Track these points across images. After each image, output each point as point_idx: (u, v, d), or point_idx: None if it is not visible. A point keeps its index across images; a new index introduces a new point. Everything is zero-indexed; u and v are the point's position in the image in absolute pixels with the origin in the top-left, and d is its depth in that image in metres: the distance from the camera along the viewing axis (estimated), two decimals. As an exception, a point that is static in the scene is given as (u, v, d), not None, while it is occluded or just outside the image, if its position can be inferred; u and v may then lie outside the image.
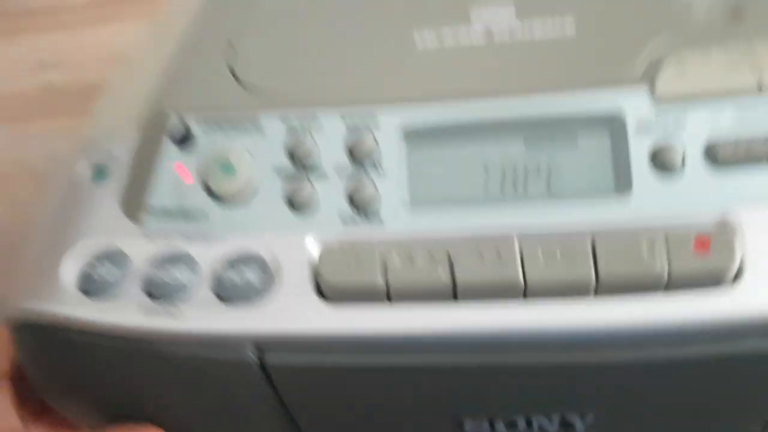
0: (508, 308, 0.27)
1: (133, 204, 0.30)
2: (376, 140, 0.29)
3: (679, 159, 0.28)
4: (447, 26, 0.32)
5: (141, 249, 0.29)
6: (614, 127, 0.29)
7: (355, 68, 0.31)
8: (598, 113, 0.29)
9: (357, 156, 0.29)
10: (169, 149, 0.30)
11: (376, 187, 0.29)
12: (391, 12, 0.33)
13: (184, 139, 0.30)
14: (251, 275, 0.28)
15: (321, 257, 0.28)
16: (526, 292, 0.27)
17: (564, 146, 0.29)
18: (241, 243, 0.29)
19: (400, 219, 0.29)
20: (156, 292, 0.28)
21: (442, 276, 0.27)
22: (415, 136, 0.29)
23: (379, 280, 0.27)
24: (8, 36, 0.60)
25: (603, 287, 0.26)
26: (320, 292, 0.28)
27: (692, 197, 0.28)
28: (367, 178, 0.29)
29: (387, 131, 0.29)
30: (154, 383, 0.29)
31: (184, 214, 0.30)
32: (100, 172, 0.32)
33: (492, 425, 0.30)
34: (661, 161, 0.28)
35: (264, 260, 0.29)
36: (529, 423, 0.29)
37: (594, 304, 0.26)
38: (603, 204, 0.28)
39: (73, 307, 0.29)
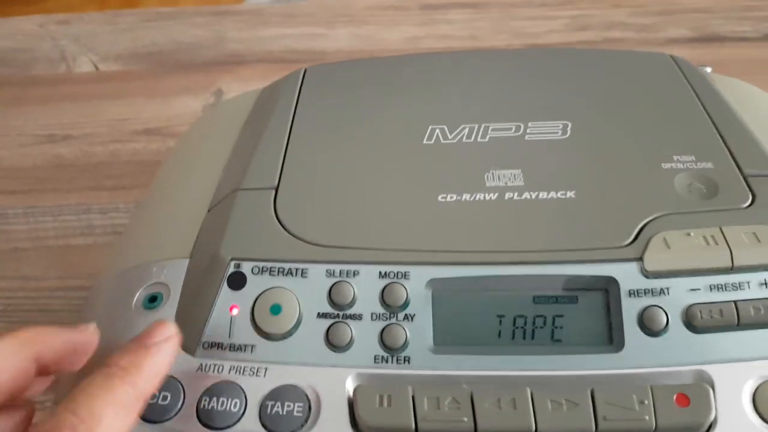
0: (520, 449, 0.31)
1: (188, 336, 0.34)
2: (407, 291, 0.34)
3: (663, 322, 0.33)
4: (467, 193, 0.37)
5: (194, 377, 0.33)
6: (610, 293, 0.34)
7: (388, 226, 0.36)
8: (597, 280, 0.34)
9: (390, 304, 0.34)
10: (225, 292, 0.35)
11: (406, 333, 0.34)
12: (420, 172, 0.39)
13: (237, 283, 0.35)
14: (294, 407, 0.32)
15: (357, 397, 0.32)
16: (535, 435, 0.31)
17: (567, 306, 0.34)
18: (283, 375, 0.33)
19: (426, 360, 0.33)
20: (209, 420, 0.32)
21: (466, 422, 0.31)
22: (439, 289, 0.34)
23: (411, 424, 0.31)
24: (15, 105, 0.62)
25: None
26: (355, 424, 0.32)
27: (674, 355, 0.33)
28: (398, 325, 0.34)
29: (416, 283, 0.34)
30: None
31: (233, 348, 0.34)
32: (153, 300, 0.36)
33: None
34: (648, 324, 0.33)
35: (304, 392, 0.33)
36: None
37: (592, 448, 0.31)
38: (599, 358, 0.33)
39: None
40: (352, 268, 0.35)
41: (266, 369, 0.33)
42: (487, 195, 0.37)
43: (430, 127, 0.41)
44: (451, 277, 0.34)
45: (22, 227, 0.54)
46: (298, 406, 0.32)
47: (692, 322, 0.33)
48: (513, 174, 0.38)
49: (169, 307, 0.35)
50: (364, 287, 0.34)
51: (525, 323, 0.34)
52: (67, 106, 0.63)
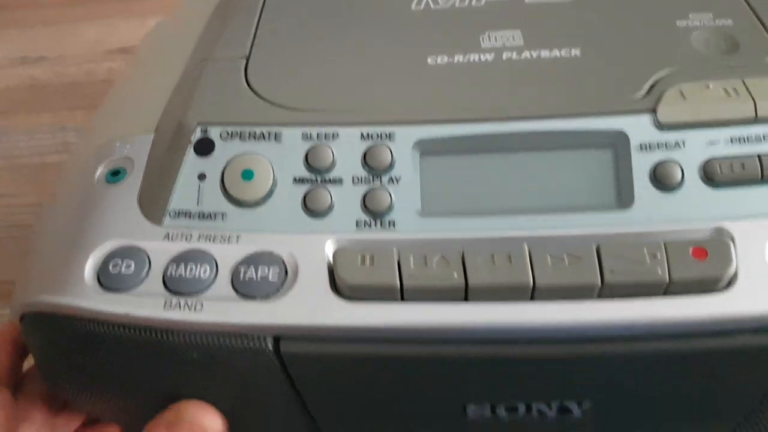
0: (516, 308, 0.28)
1: (154, 206, 0.31)
2: (391, 152, 0.31)
3: (678, 177, 0.30)
4: (460, 54, 0.34)
5: (160, 246, 0.30)
6: (619, 145, 0.30)
7: (372, 89, 0.33)
8: (605, 132, 0.31)
9: (373, 166, 0.31)
10: (191, 157, 0.32)
11: (391, 197, 0.30)
12: (407, 35, 0.36)
13: (205, 148, 0.32)
14: (268, 272, 0.29)
15: (337, 257, 0.29)
16: (534, 294, 0.28)
17: (572, 162, 0.31)
18: (257, 242, 0.30)
19: (412, 225, 0.30)
20: (176, 287, 0.29)
21: (456, 278, 0.28)
22: (428, 149, 0.31)
23: (395, 282, 0.28)
24: None
25: (606, 290, 0.27)
26: (335, 289, 0.29)
27: (689, 212, 0.29)
28: (382, 188, 0.31)
29: (402, 144, 0.31)
30: (172, 375, 0.30)
31: (202, 216, 0.31)
32: (116, 174, 0.33)
33: (493, 410, 0.30)
34: (661, 179, 0.30)
35: (280, 258, 0.30)
36: (528, 408, 0.30)
37: (597, 305, 0.28)
38: (607, 216, 0.30)
39: (94, 300, 0.29)
40: (330, 130, 0.31)
41: (238, 236, 0.30)
42: (482, 56, 0.34)
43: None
44: (441, 137, 0.31)
45: (-4, 147, 0.52)
46: (274, 271, 0.29)
47: (711, 176, 0.30)
48: (511, 34, 0.35)
49: (133, 179, 0.32)
50: (345, 150, 0.31)
51: (524, 182, 0.31)
52: (40, 30, 0.60)
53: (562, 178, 0.31)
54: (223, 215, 0.31)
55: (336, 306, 0.28)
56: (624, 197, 0.30)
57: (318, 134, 0.31)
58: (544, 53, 0.34)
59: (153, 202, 0.31)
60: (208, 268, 0.30)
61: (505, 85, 0.33)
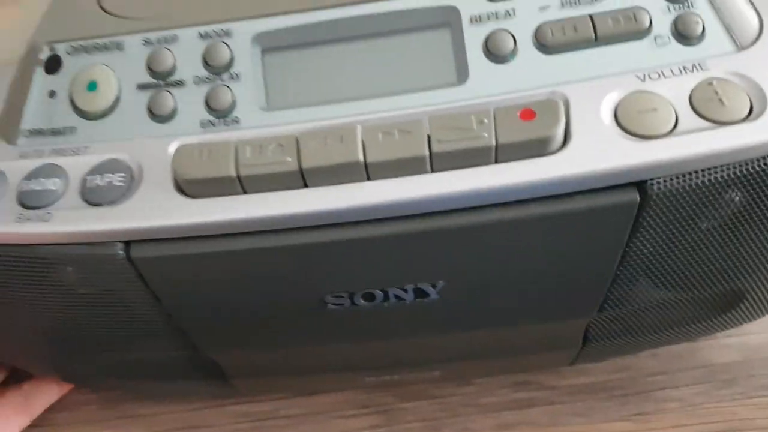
0: (354, 188, 0.28)
1: (8, 127, 0.32)
2: (230, 49, 0.31)
3: (510, 46, 0.30)
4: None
5: (14, 165, 0.31)
6: (452, 22, 0.30)
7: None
8: (437, 9, 0.31)
9: (213, 65, 0.31)
10: (40, 76, 0.32)
11: (233, 94, 0.31)
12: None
13: (53, 66, 0.32)
14: (114, 178, 0.30)
15: (176, 156, 0.29)
16: (368, 172, 0.28)
17: (406, 43, 0.31)
18: (105, 151, 0.30)
19: (256, 121, 0.30)
20: (28, 201, 0.30)
21: (290, 162, 0.28)
22: (267, 43, 0.31)
23: (232, 172, 0.28)
24: None
25: (437, 162, 0.28)
26: (179, 189, 0.29)
27: (525, 81, 0.30)
28: (224, 86, 0.31)
29: (241, 40, 0.31)
30: (33, 291, 0.31)
31: (54, 132, 0.31)
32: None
33: (352, 300, 0.31)
34: (493, 50, 0.30)
35: (126, 164, 0.30)
36: (386, 295, 0.31)
37: (430, 178, 0.28)
38: (442, 93, 0.30)
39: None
40: (169, 33, 0.32)
41: (87, 148, 0.31)
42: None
43: None
44: (277, 29, 0.31)
45: None
46: (119, 177, 0.30)
47: (543, 41, 0.30)
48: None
49: (-9, 107, 0.33)
50: (184, 51, 0.31)
51: (365, 70, 0.31)
52: None
53: (403, 62, 0.31)
54: (72, 129, 0.31)
55: (179, 204, 0.29)
56: (459, 73, 0.30)
57: (157, 39, 0.32)
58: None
59: (8, 124, 0.32)
60: (57, 181, 0.30)
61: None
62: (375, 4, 0.31)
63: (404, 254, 0.29)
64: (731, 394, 0.43)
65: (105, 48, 0.32)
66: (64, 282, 0.30)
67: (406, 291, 0.31)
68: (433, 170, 0.28)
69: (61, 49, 0.32)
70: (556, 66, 0.30)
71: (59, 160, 0.31)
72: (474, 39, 0.30)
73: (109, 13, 0.33)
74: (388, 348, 0.35)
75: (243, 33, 0.31)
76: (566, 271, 0.31)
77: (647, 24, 0.30)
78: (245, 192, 0.29)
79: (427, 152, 0.28)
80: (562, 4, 0.30)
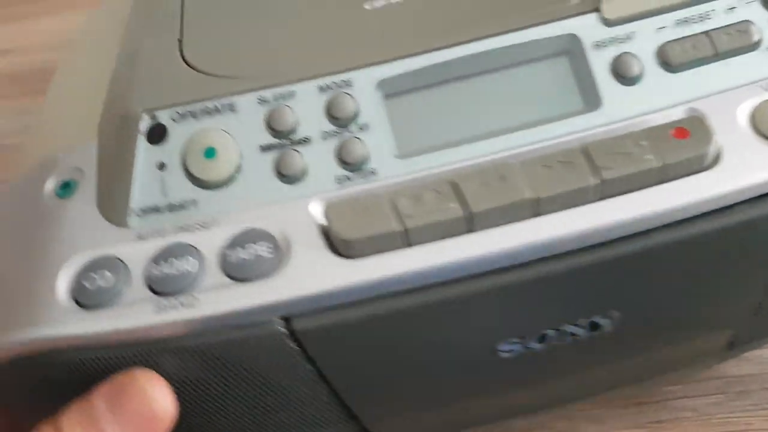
0: (522, 226, 0.27)
1: (117, 209, 0.29)
2: (354, 99, 0.30)
3: (637, 68, 0.30)
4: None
5: (134, 250, 0.28)
6: (573, 50, 0.30)
7: (315, 42, 0.32)
8: (558, 38, 0.30)
9: (339, 117, 0.29)
10: (144, 148, 0.29)
11: (364, 145, 0.29)
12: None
13: (158, 135, 0.30)
14: (260, 249, 0.28)
15: (329, 215, 0.27)
16: (537, 209, 0.27)
17: (526, 74, 0.30)
18: (237, 221, 0.28)
19: (394, 169, 0.29)
20: (162, 287, 0.27)
21: (455, 209, 0.27)
22: (389, 89, 0.30)
23: (396, 226, 0.27)
24: None
25: (606, 189, 0.27)
26: (335, 250, 0.27)
27: (657, 100, 0.30)
28: (354, 138, 0.29)
29: (363, 89, 0.30)
30: (183, 386, 0.28)
31: (172, 207, 0.29)
32: (67, 187, 0.30)
33: (525, 344, 0.30)
34: (622, 72, 0.30)
35: (267, 232, 0.28)
36: (559, 333, 0.30)
37: (599, 206, 0.27)
38: (580, 120, 0.30)
39: (77, 324, 0.27)
40: (285, 89, 0.30)
41: (215, 220, 0.28)
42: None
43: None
44: (400, 74, 0.30)
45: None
46: (265, 247, 0.28)
47: (667, 60, 0.30)
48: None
49: (87, 187, 0.30)
50: (305, 106, 0.30)
51: (491, 104, 0.30)
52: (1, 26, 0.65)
53: (526, 93, 0.30)
54: (193, 202, 0.29)
55: (340, 267, 0.27)
56: (591, 99, 0.30)
57: (274, 96, 0.30)
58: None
59: (115, 205, 0.29)
60: (192, 260, 0.28)
61: (448, 12, 0.32)
62: (492, 39, 0.30)
63: (580, 288, 0.29)
64: (745, 406, 0.44)
65: (216, 111, 0.30)
66: (214, 371, 0.28)
67: (580, 326, 0.30)
68: (600, 198, 0.28)
69: (164, 117, 0.30)
70: (682, 83, 0.30)
71: (187, 237, 0.28)
72: (601, 64, 0.30)
73: (207, 74, 0.31)
74: (544, 387, 0.34)
75: (364, 81, 0.30)
76: (737, 279, 0.31)
77: (758, 36, 0.31)
78: (410, 245, 0.27)
79: (594, 181, 0.27)
80: (677, 24, 0.31)
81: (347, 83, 0.30)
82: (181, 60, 0.32)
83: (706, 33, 0.31)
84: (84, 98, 0.33)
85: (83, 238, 0.29)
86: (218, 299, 0.27)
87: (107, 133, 0.31)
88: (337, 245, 0.27)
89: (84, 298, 0.27)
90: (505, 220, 0.27)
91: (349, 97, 0.30)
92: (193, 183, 0.29)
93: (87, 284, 0.28)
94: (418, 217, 0.27)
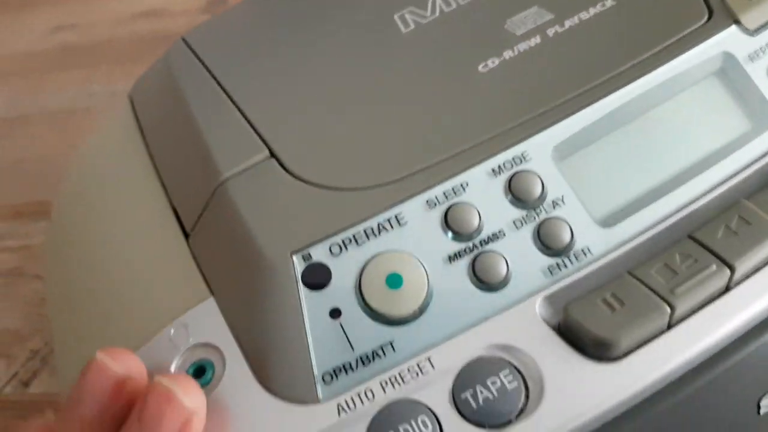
0: None
1: (296, 384, 0.22)
2: (536, 174, 0.25)
3: (799, 69, 0.27)
4: (506, 49, 0.29)
5: (341, 428, 0.22)
6: (727, 67, 0.27)
7: (452, 123, 0.27)
8: (714, 58, 0.27)
9: (525, 199, 0.25)
10: (308, 296, 0.23)
11: (564, 221, 0.25)
12: (434, 60, 0.29)
13: (320, 278, 0.24)
14: (499, 380, 0.22)
15: (575, 316, 0.22)
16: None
17: (692, 105, 0.27)
18: (456, 351, 0.23)
19: (603, 239, 0.25)
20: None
21: (715, 269, 0.23)
22: (563, 153, 0.26)
23: (663, 309, 0.22)
24: (26, 7, 0.65)
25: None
26: (592, 355, 0.22)
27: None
28: (550, 217, 0.25)
29: (539, 159, 0.25)
30: None
31: (365, 360, 0.23)
32: (201, 373, 0.23)
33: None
34: (786, 79, 0.27)
35: (498, 357, 0.23)
36: None
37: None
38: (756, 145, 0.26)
39: None
40: (454, 182, 0.25)
41: (428, 358, 0.23)
42: (526, 43, 0.29)
43: (395, 16, 0.32)
44: (575, 134, 0.26)
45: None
46: (505, 377, 0.22)
47: (824, 55, 0.28)
48: (533, 12, 0.30)
49: (234, 368, 0.23)
50: (483, 197, 0.25)
51: (663, 142, 0.26)
52: (72, 3, 0.64)
53: (694, 124, 0.27)
54: (390, 344, 0.23)
55: (614, 372, 0.22)
56: (757, 117, 0.27)
57: (444, 193, 0.25)
58: (581, 16, 0.30)
59: (292, 380, 0.22)
60: (424, 418, 0.22)
61: (583, 60, 0.28)
62: (646, 78, 0.27)
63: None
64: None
65: (381, 229, 0.24)
66: None
67: None
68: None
69: (319, 254, 0.24)
70: None
71: (402, 392, 0.22)
72: (761, 75, 0.27)
73: (340, 189, 0.25)
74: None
75: (538, 150, 0.25)
76: None
77: None
78: (670, 326, 0.23)
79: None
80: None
81: (523, 157, 0.25)
82: (292, 178, 0.26)
83: None
84: (155, 259, 0.26)
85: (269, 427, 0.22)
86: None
87: (231, 291, 0.24)
88: (597, 350, 0.22)
89: None
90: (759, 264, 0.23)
91: (530, 173, 0.25)
92: (381, 322, 0.23)
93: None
94: (683, 286, 0.22)
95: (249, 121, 0.28)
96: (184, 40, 0.33)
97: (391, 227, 0.24)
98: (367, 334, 0.23)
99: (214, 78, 0.30)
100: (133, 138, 0.31)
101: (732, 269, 0.23)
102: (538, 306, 0.23)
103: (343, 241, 0.24)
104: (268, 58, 0.31)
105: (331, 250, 0.24)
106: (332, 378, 0.23)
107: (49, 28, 0.63)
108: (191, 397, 0.21)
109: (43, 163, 0.52)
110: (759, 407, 0.25)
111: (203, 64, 0.31)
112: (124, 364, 0.22)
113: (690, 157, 0.26)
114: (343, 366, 0.23)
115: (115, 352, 0.22)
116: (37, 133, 0.55)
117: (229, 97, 0.29)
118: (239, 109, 0.29)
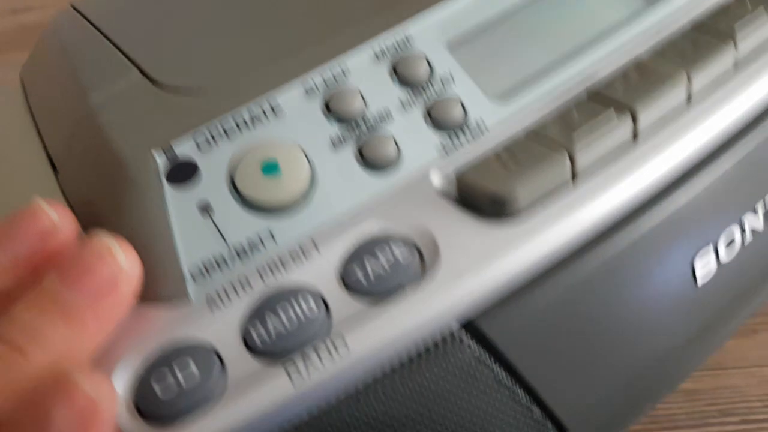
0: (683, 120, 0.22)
1: (166, 282, 0.20)
2: (424, 56, 0.23)
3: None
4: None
5: (217, 322, 0.19)
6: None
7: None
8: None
9: (412, 80, 0.23)
10: (171, 193, 0.21)
11: (454, 100, 0.23)
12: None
13: (184, 173, 0.21)
14: (396, 253, 0.20)
15: (469, 179, 0.20)
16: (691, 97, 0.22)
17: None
18: (336, 237, 0.20)
19: (497, 114, 0.23)
20: (282, 347, 0.18)
21: (623, 124, 0.21)
22: (452, 38, 0.24)
23: (565, 164, 0.20)
24: None
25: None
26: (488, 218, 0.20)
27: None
28: (439, 99, 0.23)
29: (425, 44, 0.24)
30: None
31: (240, 252, 0.20)
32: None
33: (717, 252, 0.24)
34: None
35: (389, 234, 0.20)
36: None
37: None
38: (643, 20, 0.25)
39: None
40: (333, 68, 0.23)
41: (313, 242, 0.20)
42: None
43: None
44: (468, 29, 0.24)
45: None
46: (397, 248, 0.20)
47: None
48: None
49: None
50: (367, 81, 0.23)
51: (556, 24, 0.25)
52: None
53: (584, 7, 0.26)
54: (269, 233, 0.20)
55: (511, 237, 0.20)
56: None
57: (325, 80, 0.23)
58: None
59: (159, 281, 0.20)
60: (307, 298, 0.19)
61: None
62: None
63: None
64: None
65: (254, 121, 0.22)
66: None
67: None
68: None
69: (184, 149, 0.21)
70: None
71: (285, 279, 0.20)
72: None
73: (207, 91, 0.23)
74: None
75: (424, 36, 0.24)
76: None
77: None
78: (574, 179, 0.21)
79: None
80: None
81: (407, 41, 0.23)
82: (160, 89, 0.24)
83: None
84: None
85: (139, 332, 0.19)
86: (365, 332, 0.18)
87: (103, 208, 0.22)
88: (488, 208, 0.20)
89: (165, 407, 0.18)
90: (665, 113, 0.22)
91: (416, 57, 0.23)
92: (258, 213, 0.21)
93: (161, 392, 0.18)
94: (586, 146, 0.20)
95: (115, 44, 0.26)
96: (72, 5, 0.32)
97: (267, 118, 0.22)
98: (243, 225, 0.21)
99: (89, 22, 0.29)
100: (16, 101, 0.30)
101: (634, 115, 0.21)
102: (432, 180, 0.21)
103: (211, 134, 0.22)
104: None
105: (198, 145, 0.22)
106: (203, 274, 0.20)
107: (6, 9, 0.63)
108: (128, 258, 0.19)
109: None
110: (695, 273, 0.23)
111: (87, 19, 0.30)
112: (62, 217, 0.20)
113: (586, 32, 0.25)
114: (216, 261, 0.20)
115: (55, 204, 0.20)
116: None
117: (100, 30, 0.27)
118: (106, 37, 0.27)
